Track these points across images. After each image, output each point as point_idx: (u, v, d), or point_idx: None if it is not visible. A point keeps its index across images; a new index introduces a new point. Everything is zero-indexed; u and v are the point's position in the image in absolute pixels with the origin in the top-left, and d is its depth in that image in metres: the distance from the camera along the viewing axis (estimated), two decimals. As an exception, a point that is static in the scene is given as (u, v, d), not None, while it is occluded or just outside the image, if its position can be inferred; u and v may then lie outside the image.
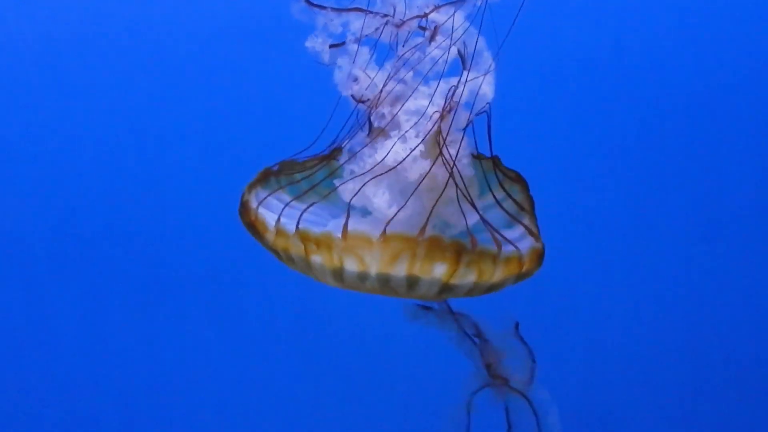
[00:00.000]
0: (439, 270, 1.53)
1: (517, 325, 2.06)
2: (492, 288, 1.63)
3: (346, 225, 1.58)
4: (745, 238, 3.29)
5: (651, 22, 3.19)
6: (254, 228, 1.69)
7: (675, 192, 3.27)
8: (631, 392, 3.34)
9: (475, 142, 1.74)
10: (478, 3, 1.63)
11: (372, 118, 1.70)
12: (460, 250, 1.52)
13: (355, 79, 1.67)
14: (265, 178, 1.80)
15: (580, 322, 3.30)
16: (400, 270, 1.53)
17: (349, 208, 1.61)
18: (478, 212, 1.63)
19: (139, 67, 3.16)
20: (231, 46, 3.12)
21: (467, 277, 1.55)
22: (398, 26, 1.67)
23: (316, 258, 1.59)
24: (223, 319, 3.32)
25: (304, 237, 1.58)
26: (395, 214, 1.59)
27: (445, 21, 1.64)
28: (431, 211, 1.58)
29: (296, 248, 1.60)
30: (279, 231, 1.63)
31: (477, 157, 1.80)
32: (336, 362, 3.24)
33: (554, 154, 3.22)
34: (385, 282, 1.57)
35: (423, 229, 1.54)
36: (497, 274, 1.56)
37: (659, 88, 3.22)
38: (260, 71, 3.11)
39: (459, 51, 1.65)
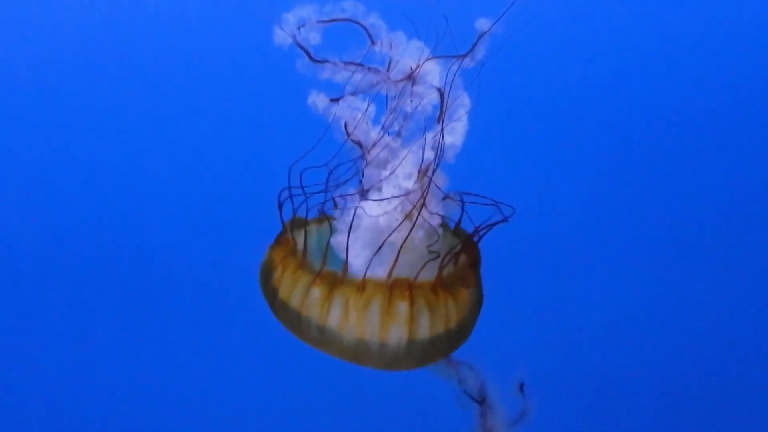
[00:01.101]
0: (402, 308, 1.70)
1: (521, 386, 2.06)
2: (450, 328, 1.76)
3: (346, 265, 1.74)
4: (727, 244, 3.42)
5: (623, 60, 3.47)
6: (285, 260, 1.79)
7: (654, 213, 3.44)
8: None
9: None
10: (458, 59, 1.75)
11: (364, 172, 1.81)
12: (413, 287, 1.71)
13: (353, 122, 1.77)
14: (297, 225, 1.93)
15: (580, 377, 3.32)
16: (373, 314, 1.68)
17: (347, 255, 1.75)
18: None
19: (134, 88, 3.32)
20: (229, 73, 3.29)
21: (423, 315, 1.71)
22: (390, 82, 1.79)
23: (315, 292, 1.71)
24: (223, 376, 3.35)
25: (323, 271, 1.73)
26: (368, 266, 1.74)
27: (418, 68, 1.75)
28: (395, 261, 1.73)
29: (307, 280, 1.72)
30: (304, 263, 1.76)
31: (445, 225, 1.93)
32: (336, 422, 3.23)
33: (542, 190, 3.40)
34: (360, 338, 1.72)
35: (390, 274, 1.72)
36: (441, 304, 1.74)
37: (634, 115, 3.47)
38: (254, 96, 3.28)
39: (440, 91, 1.75)
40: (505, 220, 1.81)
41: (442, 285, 1.75)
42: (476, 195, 1.81)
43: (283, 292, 1.76)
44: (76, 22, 3.36)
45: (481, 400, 2.06)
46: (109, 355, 3.40)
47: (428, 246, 1.79)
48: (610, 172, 3.49)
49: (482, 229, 1.84)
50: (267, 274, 1.81)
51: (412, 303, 1.71)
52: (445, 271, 1.80)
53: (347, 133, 1.78)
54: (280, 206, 1.87)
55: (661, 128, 3.54)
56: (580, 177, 3.46)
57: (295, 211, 1.88)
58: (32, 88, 3.44)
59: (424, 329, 1.73)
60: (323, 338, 1.74)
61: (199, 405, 3.40)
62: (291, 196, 1.85)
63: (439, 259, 1.79)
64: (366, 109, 1.81)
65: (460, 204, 1.86)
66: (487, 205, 1.81)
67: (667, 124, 3.54)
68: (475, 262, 1.86)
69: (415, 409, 2.99)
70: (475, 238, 1.85)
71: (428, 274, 1.78)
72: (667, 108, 3.55)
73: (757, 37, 3.53)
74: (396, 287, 1.70)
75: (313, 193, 1.89)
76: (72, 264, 3.42)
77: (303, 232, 1.85)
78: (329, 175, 1.87)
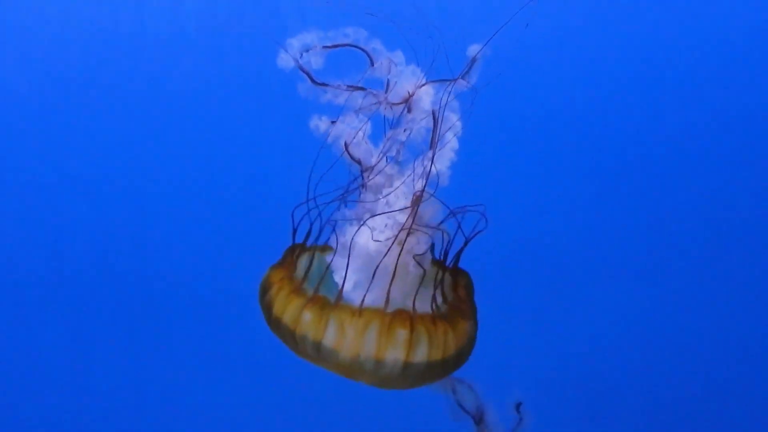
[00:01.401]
0: (401, 335, 1.74)
1: (519, 405, 2.08)
2: (446, 356, 1.79)
3: (342, 288, 1.80)
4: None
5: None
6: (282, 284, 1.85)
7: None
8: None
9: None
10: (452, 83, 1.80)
11: (360, 196, 1.86)
12: (414, 319, 1.75)
13: (350, 140, 1.82)
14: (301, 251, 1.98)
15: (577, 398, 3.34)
16: (370, 338, 1.73)
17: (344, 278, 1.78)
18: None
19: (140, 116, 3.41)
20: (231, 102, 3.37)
21: (420, 343, 1.75)
22: (388, 105, 1.84)
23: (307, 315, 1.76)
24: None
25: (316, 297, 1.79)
26: (365, 293, 1.78)
27: (413, 93, 1.80)
28: (389, 290, 1.78)
29: (299, 304, 1.77)
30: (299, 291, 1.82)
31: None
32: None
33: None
34: (355, 358, 1.75)
35: (387, 303, 1.77)
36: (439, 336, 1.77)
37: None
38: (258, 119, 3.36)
39: (434, 114, 1.80)
40: (484, 217, 1.84)
41: (441, 316, 1.79)
42: (467, 207, 1.84)
43: (277, 310, 1.82)
44: (85, 56, 3.48)
45: (478, 418, 2.08)
46: (112, 359, 3.45)
47: (420, 268, 1.82)
48: (604, 185, 3.53)
49: (467, 240, 1.87)
50: (264, 292, 1.87)
51: (412, 331, 1.75)
52: (439, 300, 1.84)
53: (345, 150, 1.83)
54: (294, 231, 1.92)
55: (649, 145, 3.60)
56: (573, 192, 3.50)
57: (310, 226, 1.93)
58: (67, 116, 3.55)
59: (422, 355, 1.77)
60: (318, 356, 1.79)
61: (197, 412, 3.44)
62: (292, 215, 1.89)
63: (432, 287, 1.83)
64: (363, 126, 1.86)
65: (454, 227, 1.90)
66: (470, 210, 1.85)
67: (656, 141, 3.60)
68: (469, 292, 1.90)
69: (412, 426, 3.01)
70: (464, 251, 1.88)
71: (421, 300, 1.82)
72: (655, 127, 3.60)
73: (736, 50, 3.60)
74: (396, 318, 1.75)
75: (322, 204, 1.94)
76: (82, 279, 3.49)
77: (305, 257, 1.91)
78: (335, 196, 1.92)
